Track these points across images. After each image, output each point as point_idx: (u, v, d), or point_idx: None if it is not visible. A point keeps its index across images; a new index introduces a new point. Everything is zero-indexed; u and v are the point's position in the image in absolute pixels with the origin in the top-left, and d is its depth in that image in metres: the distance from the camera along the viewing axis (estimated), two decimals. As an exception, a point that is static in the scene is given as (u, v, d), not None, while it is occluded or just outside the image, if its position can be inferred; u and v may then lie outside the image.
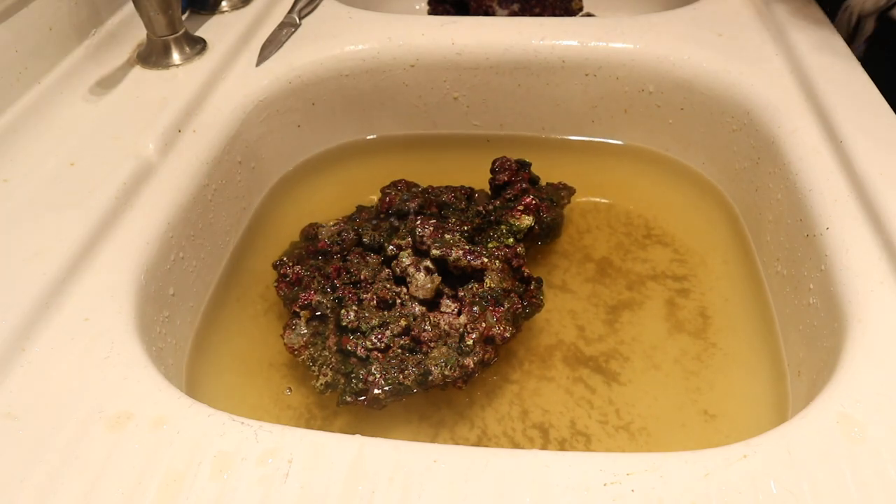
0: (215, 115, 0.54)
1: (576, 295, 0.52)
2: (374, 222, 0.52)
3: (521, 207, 0.52)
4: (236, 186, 0.55)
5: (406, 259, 0.46)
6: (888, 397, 0.33)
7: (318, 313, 0.46)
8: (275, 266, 0.50)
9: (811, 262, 0.43)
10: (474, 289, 0.45)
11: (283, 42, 0.62)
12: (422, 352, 0.43)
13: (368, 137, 0.67)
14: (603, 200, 0.60)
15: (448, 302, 0.45)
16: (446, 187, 0.54)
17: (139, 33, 0.60)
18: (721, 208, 0.59)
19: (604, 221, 0.58)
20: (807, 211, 0.45)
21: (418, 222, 0.48)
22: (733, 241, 0.56)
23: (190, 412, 0.33)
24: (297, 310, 0.46)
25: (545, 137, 0.67)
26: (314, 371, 0.44)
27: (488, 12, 0.75)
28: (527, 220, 0.51)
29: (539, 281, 0.48)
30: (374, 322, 0.44)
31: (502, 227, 0.51)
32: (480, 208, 0.52)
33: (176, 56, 0.57)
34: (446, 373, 0.42)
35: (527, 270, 0.48)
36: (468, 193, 0.54)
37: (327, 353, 0.44)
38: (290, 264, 0.49)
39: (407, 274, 0.46)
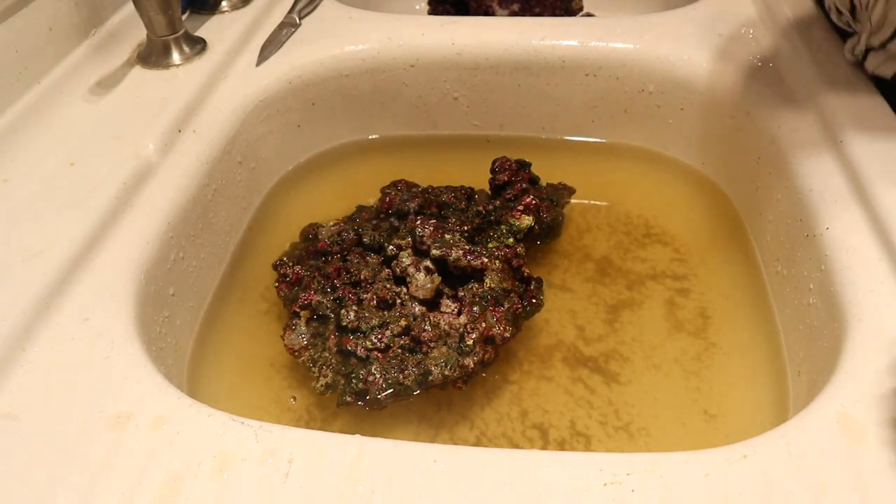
0: (215, 115, 0.54)
1: (575, 295, 0.52)
2: (374, 222, 0.52)
3: (521, 207, 0.52)
4: (236, 186, 0.55)
5: (406, 259, 0.46)
6: (888, 397, 0.33)
7: (318, 313, 0.46)
8: (275, 266, 0.50)
9: (811, 262, 0.43)
10: (474, 289, 0.45)
11: (283, 42, 0.62)
12: (422, 352, 0.43)
13: (368, 137, 0.67)
14: (603, 200, 0.60)
15: (448, 302, 0.45)
16: (446, 187, 0.54)
17: (139, 33, 0.60)
18: (721, 208, 0.59)
19: (603, 221, 0.58)
20: (807, 211, 0.45)
21: (418, 222, 0.48)
22: (733, 240, 0.55)
23: (190, 412, 0.33)
24: (297, 310, 0.46)
25: (545, 137, 0.67)
26: (314, 372, 0.44)
27: (488, 12, 0.75)
28: (527, 220, 0.51)
29: (539, 281, 0.48)
30: (374, 322, 0.44)
31: (502, 227, 0.51)
32: (480, 208, 0.52)
33: (176, 56, 0.57)
34: (446, 373, 0.42)
35: (527, 270, 0.48)
36: (468, 193, 0.54)
37: (327, 354, 0.44)
38: (290, 264, 0.49)
39: (407, 274, 0.46)
